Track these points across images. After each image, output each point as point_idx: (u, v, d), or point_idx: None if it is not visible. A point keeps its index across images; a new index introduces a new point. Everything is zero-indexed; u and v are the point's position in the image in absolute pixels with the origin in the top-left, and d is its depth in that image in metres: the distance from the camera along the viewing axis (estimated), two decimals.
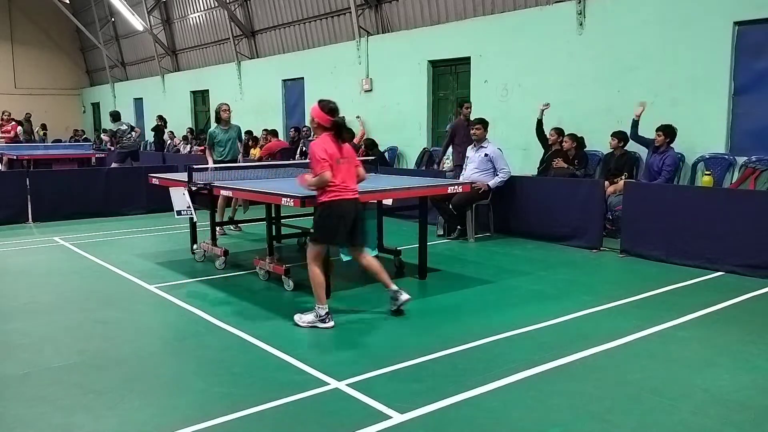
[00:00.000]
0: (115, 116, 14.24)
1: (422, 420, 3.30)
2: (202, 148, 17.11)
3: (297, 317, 4.87)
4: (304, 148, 14.42)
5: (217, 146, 8.93)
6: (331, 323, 4.79)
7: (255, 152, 14.64)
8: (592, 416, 3.35)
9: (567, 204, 7.90)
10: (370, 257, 5.14)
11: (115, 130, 14.15)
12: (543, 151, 9.60)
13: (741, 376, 3.87)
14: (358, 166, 5.07)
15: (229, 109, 9.06)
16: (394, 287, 5.03)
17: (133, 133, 14.43)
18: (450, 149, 10.08)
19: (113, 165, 13.05)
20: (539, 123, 9.47)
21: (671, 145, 8.16)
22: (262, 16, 17.23)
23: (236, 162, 8.95)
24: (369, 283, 6.26)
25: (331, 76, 14.81)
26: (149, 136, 21.19)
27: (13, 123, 18.65)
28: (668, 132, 8.12)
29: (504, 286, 6.10)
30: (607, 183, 8.39)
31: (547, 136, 9.46)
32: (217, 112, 9.00)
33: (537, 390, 3.67)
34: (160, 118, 19.71)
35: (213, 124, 9.29)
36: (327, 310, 4.82)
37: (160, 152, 17.75)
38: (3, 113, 17.34)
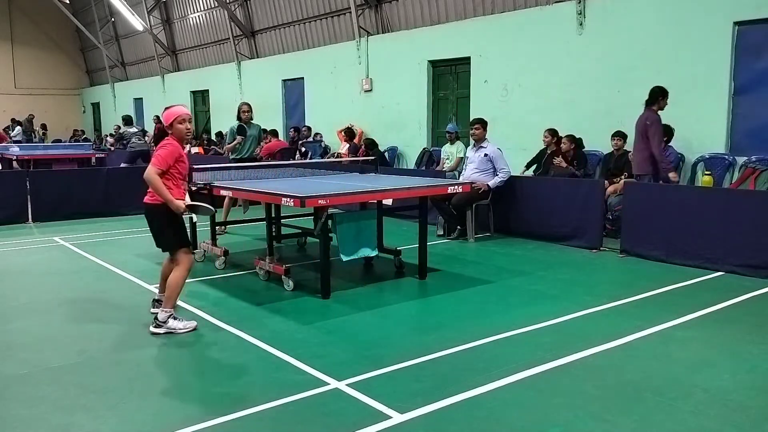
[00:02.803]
0: (128, 120, 14.47)
1: (422, 420, 3.30)
2: (201, 148, 17.19)
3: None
4: (303, 149, 14.44)
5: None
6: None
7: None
8: (592, 416, 3.35)
9: (567, 204, 7.89)
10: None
11: (122, 132, 14.28)
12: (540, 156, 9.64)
13: (741, 376, 3.87)
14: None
15: (249, 110, 9.17)
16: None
17: (146, 137, 14.68)
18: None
19: (122, 165, 13.14)
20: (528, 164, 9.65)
21: (669, 144, 8.15)
22: (262, 16, 17.23)
23: (254, 161, 8.97)
24: (369, 284, 6.27)
25: (331, 76, 14.82)
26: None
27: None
28: (665, 131, 8.11)
29: (504, 286, 6.10)
30: (606, 183, 8.39)
31: (542, 139, 9.44)
32: (238, 111, 9.16)
33: (537, 390, 3.67)
34: (157, 119, 19.72)
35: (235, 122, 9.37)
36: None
37: None
38: None
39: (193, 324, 4.76)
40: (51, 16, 27.09)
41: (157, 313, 4.73)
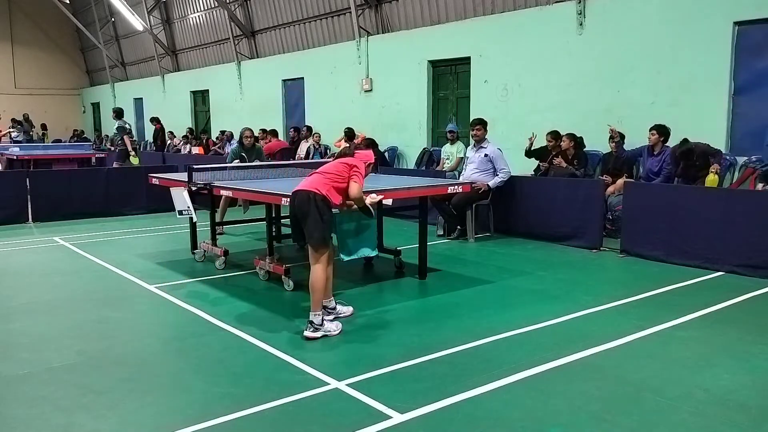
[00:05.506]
0: (119, 113, 13.92)
1: (422, 420, 3.30)
2: (201, 148, 17.18)
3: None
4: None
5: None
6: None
7: None
8: (592, 416, 3.35)
9: (567, 204, 7.89)
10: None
11: (113, 137, 13.73)
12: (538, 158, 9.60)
13: (741, 376, 3.87)
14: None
15: (251, 135, 9.09)
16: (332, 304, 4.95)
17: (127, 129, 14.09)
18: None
19: (114, 164, 13.00)
20: (527, 151, 9.43)
21: (666, 144, 8.14)
22: (262, 16, 17.23)
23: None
24: (369, 283, 6.27)
25: (331, 76, 14.82)
26: (149, 135, 21.14)
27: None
28: (662, 131, 8.11)
29: (504, 286, 6.10)
30: (608, 180, 8.38)
31: (545, 142, 9.42)
32: (240, 136, 9.10)
33: (537, 390, 3.67)
34: (157, 120, 19.66)
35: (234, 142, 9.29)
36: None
37: (160, 152, 17.75)
38: None
39: (340, 326, 4.72)
40: (51, 16, 27.08)
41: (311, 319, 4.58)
